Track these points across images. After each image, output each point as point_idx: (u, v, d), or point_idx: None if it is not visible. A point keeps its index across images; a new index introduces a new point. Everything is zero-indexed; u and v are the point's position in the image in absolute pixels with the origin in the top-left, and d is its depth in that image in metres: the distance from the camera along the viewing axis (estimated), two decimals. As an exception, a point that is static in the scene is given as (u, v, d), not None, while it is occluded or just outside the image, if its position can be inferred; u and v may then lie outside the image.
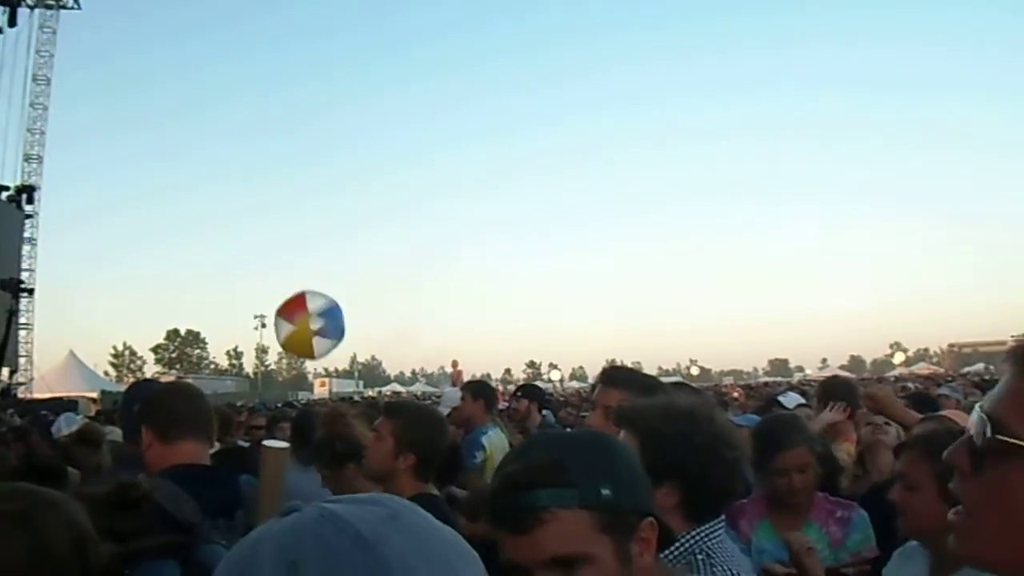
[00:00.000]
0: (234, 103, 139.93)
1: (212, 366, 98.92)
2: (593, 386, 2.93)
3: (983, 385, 12.04)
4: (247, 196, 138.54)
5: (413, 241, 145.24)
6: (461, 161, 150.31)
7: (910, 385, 10.26)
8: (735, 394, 15.70)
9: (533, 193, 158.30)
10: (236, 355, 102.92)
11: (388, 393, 36.52)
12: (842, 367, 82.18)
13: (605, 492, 1.29)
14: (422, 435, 2.98)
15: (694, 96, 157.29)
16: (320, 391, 56.09)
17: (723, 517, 1.83)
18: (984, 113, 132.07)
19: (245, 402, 28.05)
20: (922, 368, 47.33)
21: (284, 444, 3.01)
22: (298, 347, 6.20)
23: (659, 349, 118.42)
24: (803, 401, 5.81)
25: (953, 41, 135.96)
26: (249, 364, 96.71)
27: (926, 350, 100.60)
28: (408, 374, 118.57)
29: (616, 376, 2.71)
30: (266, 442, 2.82)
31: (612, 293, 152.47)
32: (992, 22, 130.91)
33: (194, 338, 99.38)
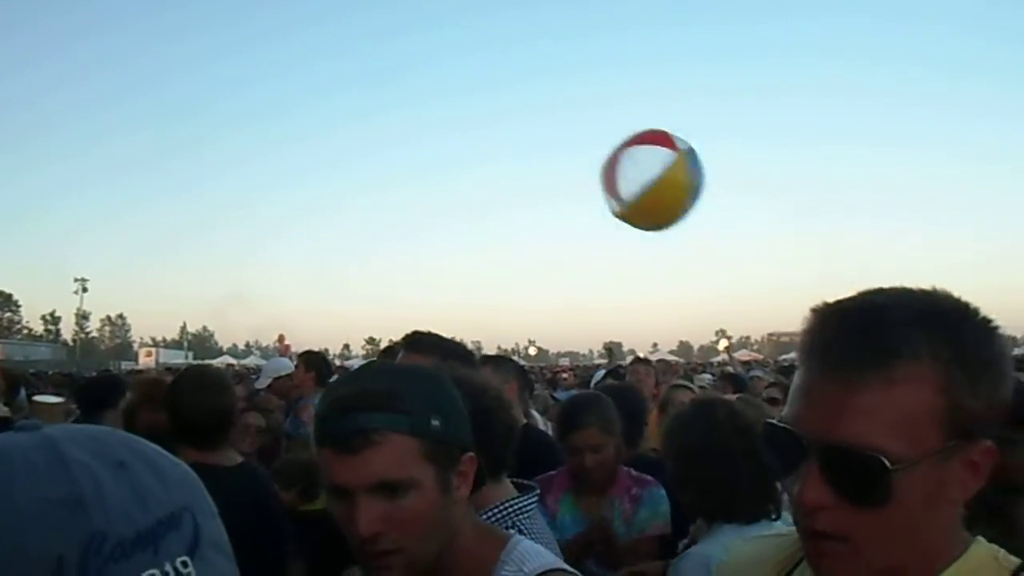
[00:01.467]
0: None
1: (25, 331, 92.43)
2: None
3: (790, 370, 12.91)
4: (68, 149, 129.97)
5: (251, 206, 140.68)
6: (298, 129, 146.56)
7: (729, 368, 11.06)
8: (565, 374, 16.77)
9: (378, 169, 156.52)
10: (53, 320, 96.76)
11: (219, 365, 35.10)
12: (672, 352, 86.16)
13: (435, 423, 1.30)
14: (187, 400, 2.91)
15: (536, 83, 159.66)
16: (146, 361, 53.31)
17: (537, 491, 1.82)
18: (806, 110, 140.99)
19: (60, 370, 26.29)
20: (743, 354, 50.16)
21: (57, 399, 2.86)
22: (668, 199, 3.92)
23: (500, 329, 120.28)
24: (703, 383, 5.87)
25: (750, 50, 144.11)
26: (68, 330, 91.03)
27: (748, 338, 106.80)
28: (242, 346, 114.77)
29: (420, 342, 2.68)
30: (37, 397, 2.68)
31: (455, 272, 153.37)
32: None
33: (5, 300, 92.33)
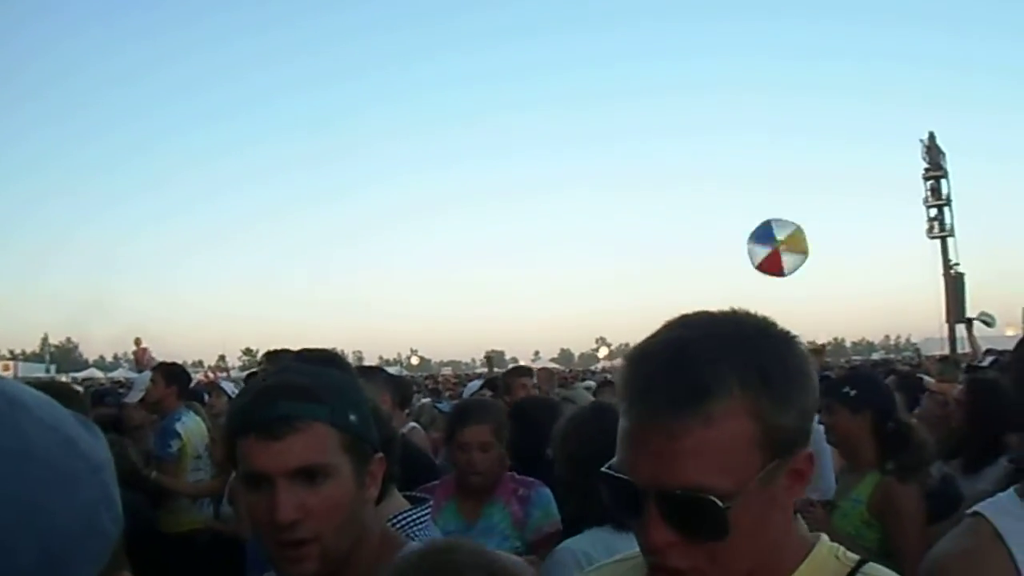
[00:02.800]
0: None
1: None
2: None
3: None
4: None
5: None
6: (160, 131, 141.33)
7: (608, 376, 11.42)
8: (450, 384, 17.02)
9: (250, 175, 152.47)
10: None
11: (81, 379, 33.21)
12: (553, 359, 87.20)
13: (352, 417, 1.38)
14: None
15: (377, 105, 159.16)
16: (2, 374, 50.00)
17: (429, 503, 1.84)
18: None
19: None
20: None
21: None
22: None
23: (382, 339, 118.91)
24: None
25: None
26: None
27: (627, 345, 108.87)
28: (109, 358, 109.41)
29: (278, 358, 2.79)
30: None
31: (337, 281, 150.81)
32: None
33: None
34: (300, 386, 1.36)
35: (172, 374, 5.46)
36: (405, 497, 1.84)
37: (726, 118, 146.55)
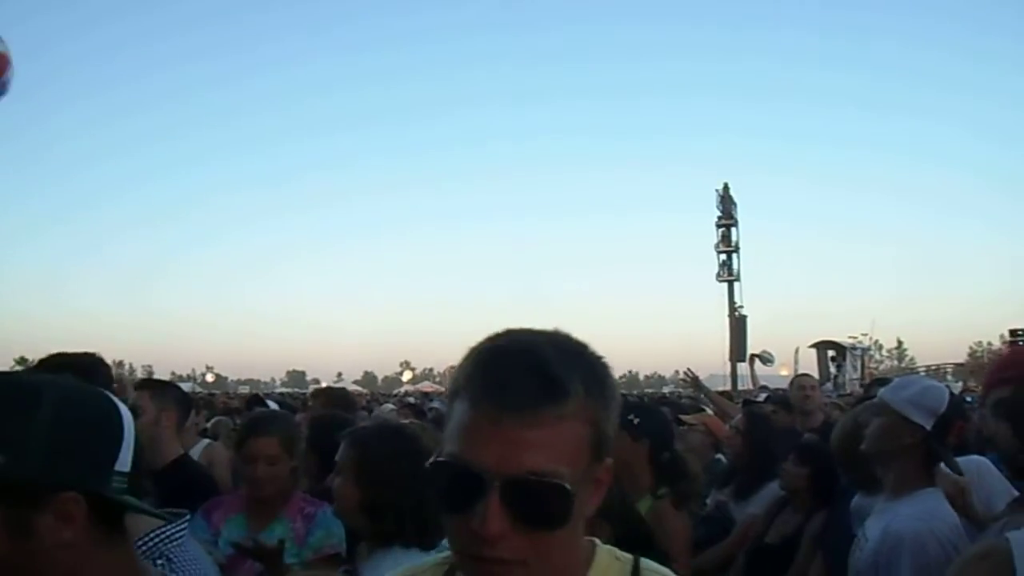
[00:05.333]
0: None
1: None
2: None
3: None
4: None
5: None
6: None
7: (410, 399, 11.38)
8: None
9: (35, 183, 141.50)
10: None
11: None
12: (356, 381, 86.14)
13: None
14: None
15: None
16: None
17: (187, 518, 1.75)
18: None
19: None
20: (426, 385, 51.47)
21: None
22: None
23: (174, 354, 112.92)
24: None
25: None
26: None
27: (431, 369, 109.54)
28: None
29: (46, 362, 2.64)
30: None
31: (130, 291, 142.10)
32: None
33: None
34: None
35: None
36: (170, 513, 1.73)
37: (524, 155, 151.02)
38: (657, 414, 3.70)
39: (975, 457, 3.13)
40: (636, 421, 3.32)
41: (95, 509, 1.23)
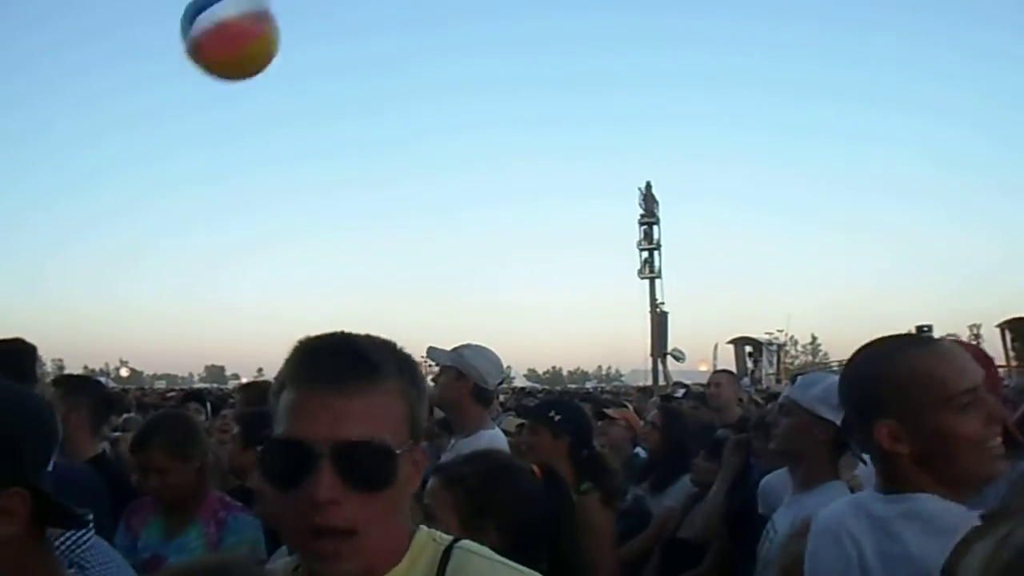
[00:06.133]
0: None
1: None
2: None
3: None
4: None
5: None
6: None
7: None
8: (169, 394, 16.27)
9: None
10: None
11: None
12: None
13: None
14: None
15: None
16: None
17: (91, 521, 1.71)
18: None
19: None
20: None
21: None
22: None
23: (87, 347, 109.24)
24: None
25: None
26: None
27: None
28: None
29: None
30: None
31: (36, 279, 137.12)
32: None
33: None
34: None
35: None
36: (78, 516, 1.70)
37: (447, 152, 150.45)
38: (577, 411, 3.75)
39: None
40: (557, 418, 3.39)
41: (33, 507, 1.28)
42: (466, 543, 1.21)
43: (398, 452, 1.10)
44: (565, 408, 3.59)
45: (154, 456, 2.85)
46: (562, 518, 2.24)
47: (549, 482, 2.25)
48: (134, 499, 3.02)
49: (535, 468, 2.25)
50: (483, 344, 3.54)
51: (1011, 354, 29.11)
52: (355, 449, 1.07)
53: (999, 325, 30.19)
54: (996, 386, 2.48)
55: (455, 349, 3.46)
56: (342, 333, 1.17)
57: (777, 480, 2.86)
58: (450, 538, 1.21)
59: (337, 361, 1.10)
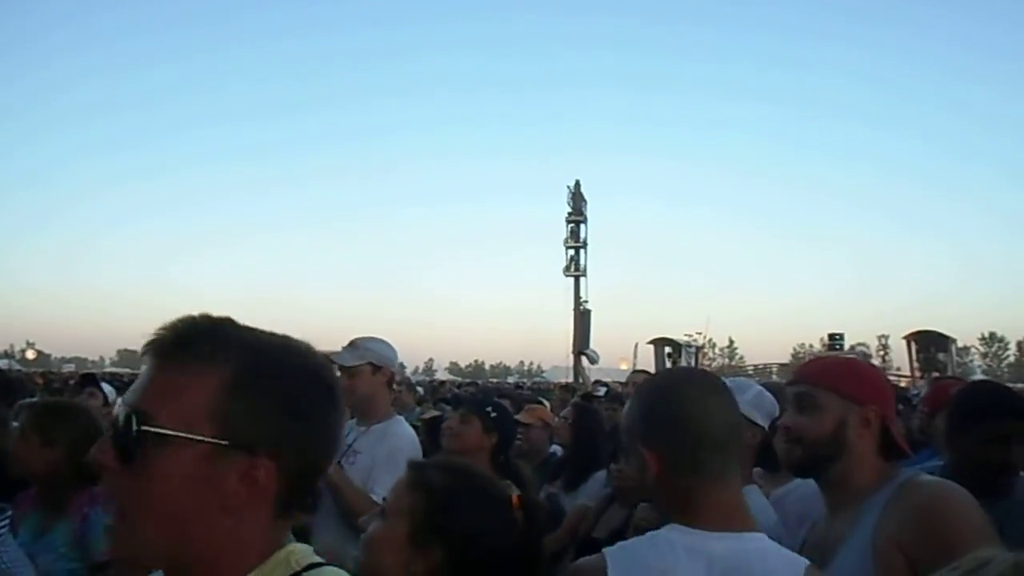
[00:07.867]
0: None
1: None
2: None
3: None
4: None
5: None
6: None
7: None
8: (71, 381, 15.67)
9: None
10: None
11: None
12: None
13: None
14: None
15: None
16: None
17: (8, 514, 1.62)
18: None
19: None
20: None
21: None
22: None
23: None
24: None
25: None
26: None
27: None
28: None
29: None
30: None
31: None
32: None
33: None
34: None
35: None
36: None
37: (377, 148, 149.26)
38: (510, 418, 3.81)
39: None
40: (493, 415, 3.47)
41: None
42: (326, 570, 1.06)
43: (147, 428, 0.97)
44: (501, 409, 3.65)
45: (22, 438, 2.71)
46: (527, 567, 1.71)
47: (526, 519, 1.74)
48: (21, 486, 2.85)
49: (515, 498, 1.77)
50: (385, 337, 3.66)
51: (915, 364, 30.37)
52: (124, 416, 0.99)
53: (906, 337, 31.51)
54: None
55: (354, 345, 3.52)
56: (191, 315, 1.09)
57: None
58: (309, 561, 1.06)
59: (159, 334, 1.05)
